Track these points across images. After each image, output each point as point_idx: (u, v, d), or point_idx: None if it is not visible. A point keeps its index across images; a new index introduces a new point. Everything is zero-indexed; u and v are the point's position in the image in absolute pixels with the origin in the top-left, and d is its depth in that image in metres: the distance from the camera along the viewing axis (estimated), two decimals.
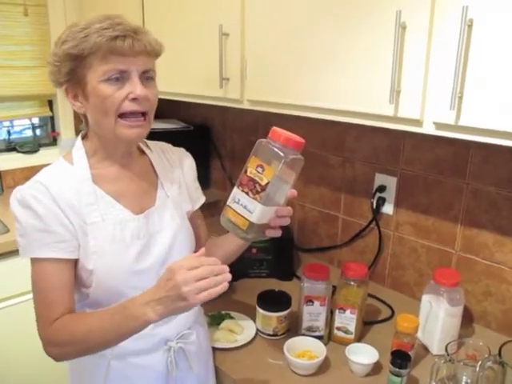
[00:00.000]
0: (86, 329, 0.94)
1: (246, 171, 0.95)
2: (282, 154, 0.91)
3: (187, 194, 1.19)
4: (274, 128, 0.95)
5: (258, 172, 0.93)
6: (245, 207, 0.94)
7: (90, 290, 1.00)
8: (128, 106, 0.95)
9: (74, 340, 0.95)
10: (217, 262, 0.88)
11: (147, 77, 0.98)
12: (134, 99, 0.95)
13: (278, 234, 1.01)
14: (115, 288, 1.00)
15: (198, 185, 1.25)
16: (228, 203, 0.98)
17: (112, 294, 1.00)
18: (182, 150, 1.23)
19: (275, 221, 0.99)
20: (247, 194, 0.94)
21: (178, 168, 1.18)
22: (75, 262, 0.99)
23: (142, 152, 1.14)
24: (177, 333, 1.10)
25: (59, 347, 0.97)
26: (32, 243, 0.96)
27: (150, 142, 1.18)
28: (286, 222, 1.01)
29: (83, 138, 1.07)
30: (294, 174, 0.97)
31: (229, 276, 0.87)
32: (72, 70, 0.96)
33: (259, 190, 0.92)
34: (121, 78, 0.95)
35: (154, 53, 0.99)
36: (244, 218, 0.94)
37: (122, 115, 0.96)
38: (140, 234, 1.03)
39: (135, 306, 0.88)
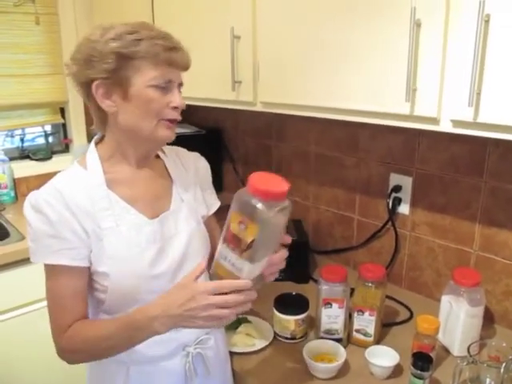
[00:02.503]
0: (98, 337, 0.96)
1: (229, 226, 0.86)
2: (264, 209, 0.81)
3: (202, 198, 1.18)
4: (252, 177, 0.83)
5: (241, 229, 0.83)
6: (233, 265, 0.86)
7: (105, 295, 1.00)
8: (170, 114, 1.00)
9: (86, 347, 0.98)
10: (247, 286, 0.85)
11: (180, 89, 1.03)
12: (175, 108, 1.00)
13: (275, 276, 0.97)
14: (131, 293, 1.00)
15: (212, 189, 1.25)
16: (216, 259, 0.90)
17: (128, 298, 1.00)
18: (196, 155, 1.23)
19: (269, 269, 0.93)
20: (233, 250, 0.85)
21: (192, 172, 1.18)
22: (88, 269, 0.99)
23: (157, 156, 1.14)
24: (195, 338, 1.10)
25: (72, 353, 1.00)
26: (41, 249, 0.96)
27: (164, 147, 1.17)
28: (281, 266, 0.95)
29: (97, 143, 1.07)
30: (282, 220, 0.87)
31: (254, 296, 0.88)
32: (115, 69, 0.94)
33: (244, 248, 0.83)
34: (166, 86, 0.98)
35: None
36: (234, 274, 0.87)
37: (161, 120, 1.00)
38: (156, 238, 1.03)
39: (144, 320, 0.90)
